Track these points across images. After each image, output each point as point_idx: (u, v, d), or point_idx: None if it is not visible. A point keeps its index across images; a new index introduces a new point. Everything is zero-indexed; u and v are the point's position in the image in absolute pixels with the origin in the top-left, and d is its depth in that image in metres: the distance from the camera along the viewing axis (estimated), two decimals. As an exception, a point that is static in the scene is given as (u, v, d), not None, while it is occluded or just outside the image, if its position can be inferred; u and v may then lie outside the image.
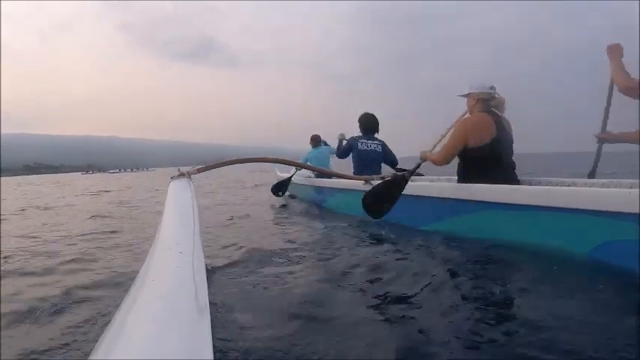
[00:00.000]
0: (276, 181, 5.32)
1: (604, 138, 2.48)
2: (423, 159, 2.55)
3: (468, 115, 2.50)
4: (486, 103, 2.36)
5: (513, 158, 2.39)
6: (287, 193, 5.30)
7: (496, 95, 2.39)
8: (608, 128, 2.49)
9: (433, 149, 2.62)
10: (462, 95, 2.51)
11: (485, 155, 2.24)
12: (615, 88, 2.35)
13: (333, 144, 5.22)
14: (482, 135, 2.24)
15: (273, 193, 5.19)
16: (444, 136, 2.60)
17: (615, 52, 2.26)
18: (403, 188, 2.29)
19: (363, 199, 2.31)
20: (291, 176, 5.15)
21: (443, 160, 2.41)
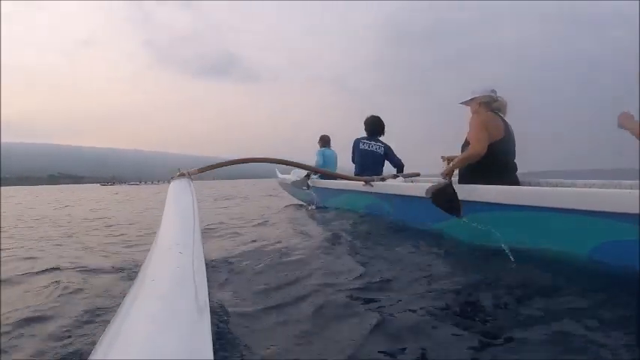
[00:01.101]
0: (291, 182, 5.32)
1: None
2: (449, 172, 2.27)
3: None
4: (489, 106, 2.37)
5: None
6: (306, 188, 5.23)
7: (498, 98, 2.40)
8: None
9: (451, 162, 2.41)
10: (465, 102, 2.52)
11: (494, 153, 2.23)
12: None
13: (337, 149, 5.26)
14: (495, 131, 2.24)
15: (296, 188, 5.19)
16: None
17: (629, 121, 2.07)
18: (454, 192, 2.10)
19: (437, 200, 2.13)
20: (308, 175, 5.03)
21: (478, 149, 2.19)
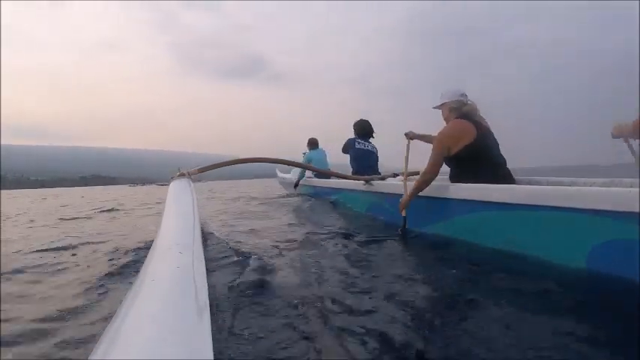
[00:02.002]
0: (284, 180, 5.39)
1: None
2: (416, 190, 2.40)
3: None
4: (459, 111, 2.41)
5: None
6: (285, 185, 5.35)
7: (468, 102, 2.43)
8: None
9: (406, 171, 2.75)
10: (436, 107, 2.55)
11: (472, 156, 2.26)
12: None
13: (328, 148, 5.34)
14: (461, 139, 2.28)
15: (295, 188, 5.38)
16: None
17: (625, 132, 2.10)
18: None
19: None
20: (296, 186, 5.22)
21: (429, 173, 2.33)
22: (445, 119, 2.51)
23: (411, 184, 2.50)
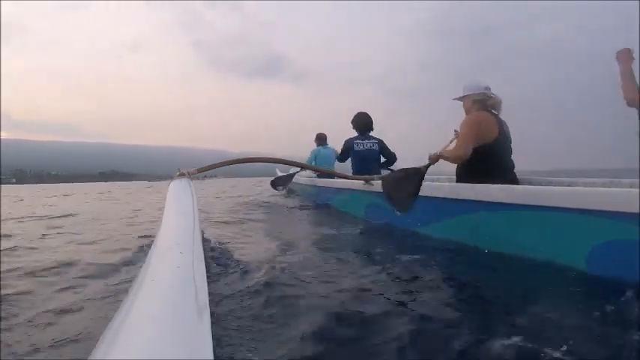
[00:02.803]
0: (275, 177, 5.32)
1: None
2: (435, 159, 2.31)
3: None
4: (483, 104, 2.34)
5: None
6: (285, 189, 5.27)
7: (492, 95, 2.37)
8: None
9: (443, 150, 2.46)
10: (458, 98, 2.48)
11: (488, 154, 2.22)
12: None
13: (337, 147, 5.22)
14: (489, 131, 2.22)
15: (272, 187, 5.22)
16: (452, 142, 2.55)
17: (625, 57, 2.14)
18: (422, 179, 2.14)
19: (384, 187, 2.24)
20: (294, 174, 5.12)
21: (460, 153, 2.23)
22: (467, 111, 2.42)
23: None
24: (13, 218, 5.16)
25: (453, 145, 2.49)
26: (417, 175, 2.15)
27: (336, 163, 5.28)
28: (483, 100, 2.34)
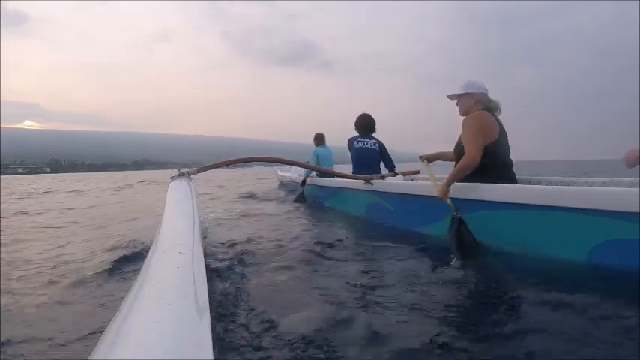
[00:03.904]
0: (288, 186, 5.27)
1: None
2: (445, 191, 2.15)
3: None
4: (484, 105, 2.32)
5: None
6: (303, 197, 5.14)
7: (492, 99, 2.36)
8: None
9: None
10: (456, 95, 2.42)
11: (491, 153, 2.20)
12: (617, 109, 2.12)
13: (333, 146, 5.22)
14: (492, 131, 2.19)
15: (298, 202, 5.02)
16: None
17: (633, 160, 1.99)
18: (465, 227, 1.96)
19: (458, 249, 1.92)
20: (303, 184, 5.00)
21: (471, 161, 2.10)
22: (466, 109, 2.34)
23: (411, 182, 2.48)
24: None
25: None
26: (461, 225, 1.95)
27: (337, 160, 5.29)
28: (485, 100, 2.32)
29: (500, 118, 2.35)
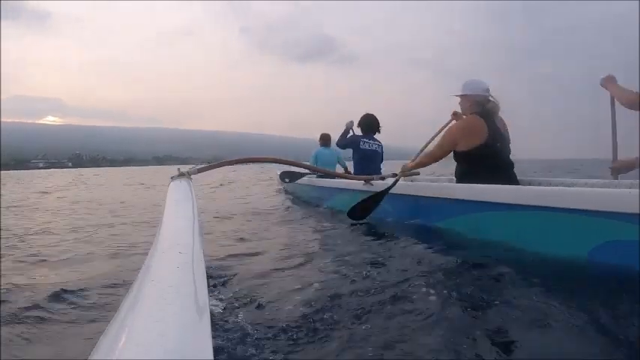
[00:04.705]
0: (282, 171, 5.34)
1: (617, 168, 2.35)
2: (406, 171, 2.64)
3: (453, 121, 2.64)
4: (481, 107, 2.34)
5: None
6: (288, 182, 5.23)
7: (491, 98, 2.37)
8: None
9: (414, 159, 2.77)
10: (457, 95, 2.47)
11: (479, 156, 2.24)
12: (618, 111, 2.39)
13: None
14: (472, 139, 2.25)
15: (281, 179, 5.27)
16: (426, 147, 2.71)
17: (612, 81, 2.33)
18: (380, 202, 2.55)
19: (351, 211, 2.61)
20: (303, 174, 5.05)
21: (433, 159, 2.46)
22: (463, 111, 2.44)
23: (411, 183, 2.48)
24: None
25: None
26: (378, 197, 2.53)
27: (338, 165, 5.26)
28: (482, 102, 2.33)
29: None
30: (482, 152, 2.22)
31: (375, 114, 4.21)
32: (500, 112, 2.40)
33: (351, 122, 4.38)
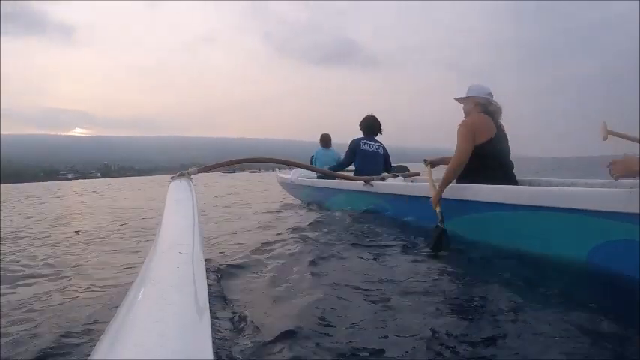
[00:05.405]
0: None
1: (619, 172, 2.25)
2: (438, 195, 2.27)
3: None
4: (484, 108, 2.38)
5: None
6: (285, 187, 5.14)
7: (493, 102, 2.41)
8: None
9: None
10: (460, 99, 2.51)
11: (485, 154, 2.24)
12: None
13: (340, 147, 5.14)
14: (483, 133, 2.25)
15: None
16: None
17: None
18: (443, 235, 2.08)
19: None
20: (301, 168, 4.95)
21: (457, 161, 2.24)
22: (467, 112, 2.45)
23: (411, 184, 2.48)
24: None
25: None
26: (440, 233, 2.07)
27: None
28: (485, 104, 2.37)
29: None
30: (489, 149, 2.23)
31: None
32: (500, 119, 2.42)
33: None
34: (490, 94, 2.42)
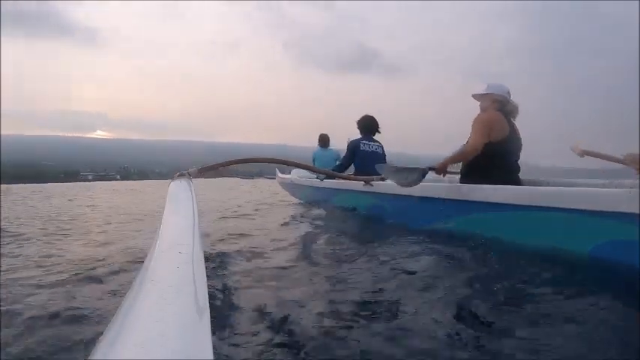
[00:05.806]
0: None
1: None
2: (443, 168, 2.34)
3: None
4: (501, 106, 2.39)
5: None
6: (285, 188, 5.13)
7: (510, 101, 2.42)
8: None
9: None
10: (478, 95, 2.51)
11: (494, 154, 2.24)
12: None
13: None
14: (499, 131, 2.26)
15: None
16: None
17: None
18: (419, 180, 2.26)
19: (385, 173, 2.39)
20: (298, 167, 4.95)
21: (470, 149, 2.27)
22: (483, 109, 2.46)
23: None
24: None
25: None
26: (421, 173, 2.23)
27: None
28: (503, 102, 2.39)
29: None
30: (498, 149, 2.24)
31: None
32: (515, 119, 2.43)
33: (350, 140, 4.29)
34: (508, 92, 2.43)
